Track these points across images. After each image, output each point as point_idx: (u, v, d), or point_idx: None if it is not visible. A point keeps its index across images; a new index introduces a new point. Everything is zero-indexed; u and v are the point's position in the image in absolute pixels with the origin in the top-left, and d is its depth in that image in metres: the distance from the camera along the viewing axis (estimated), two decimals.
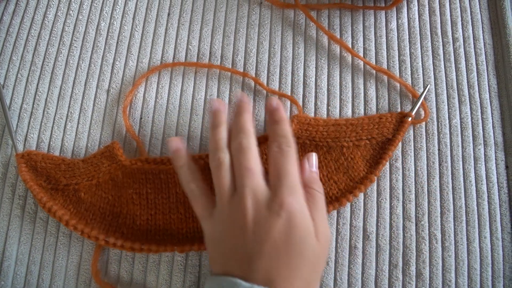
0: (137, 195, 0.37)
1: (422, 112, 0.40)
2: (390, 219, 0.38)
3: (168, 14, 0.44)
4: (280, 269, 0.28)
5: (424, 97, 0.41)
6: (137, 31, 0.44)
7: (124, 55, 0.43)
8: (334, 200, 0.37)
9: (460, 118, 0.40)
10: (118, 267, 0.37)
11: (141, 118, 0.41)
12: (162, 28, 0.44)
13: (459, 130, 0.40)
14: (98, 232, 0.36)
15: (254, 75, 0.42)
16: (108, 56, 0.43)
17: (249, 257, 0.29)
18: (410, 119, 0.39)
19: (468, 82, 0.41)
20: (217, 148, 0.32)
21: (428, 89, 0.41)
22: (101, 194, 0.37)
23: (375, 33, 0.43)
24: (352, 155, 0.38)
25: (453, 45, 0.42)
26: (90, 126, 0.41)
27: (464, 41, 0.43)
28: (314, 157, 0.35)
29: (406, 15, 0.43)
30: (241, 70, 0.42)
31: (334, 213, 0.38)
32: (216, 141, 0.33)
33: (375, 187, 0.39)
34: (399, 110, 0.40)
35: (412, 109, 0.39)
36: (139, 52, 0.43)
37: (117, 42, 0.43)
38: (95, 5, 0.44)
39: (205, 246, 0.33)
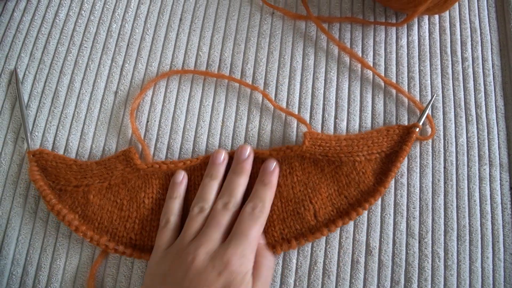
0: (149, 199, 0.37)
1: (429, 129, 0.40)
2: (394, 235, 0.38)
3: (180, 20, 0.44)
4: None
5: (432, 115, 0.41)
6: (148, 35, 0.44)
7: (134, 58, 0.43)
8: (344, 214, 0.37)
9: (467, 137, 0.40)
10: (116, 271, 0.37)
11: (147, 122, 0.41)
12: (173, 33, 0.44)
13: (465, 149, 0.40)
14: (108, 239, 0.36)
15: (263, 85, 0.42)
16: (118, 58, 0.43)
17: None
18: (417, 129, 0.39)
19: (475, 102, 0.42)
20: (204, 199, 0.35)
21: (434, 98, 0.41)
22: (111, 197, 0.37)
23: (385, 49, 0.43)
24: (363, 170, 0.38)
25: (462, 65, 0.43)
26: (96, 127, 0.40)
27: (473, 61, 0.43)
28: None
29: (416, 33, 0.44)
30: (250, 79, 0.42)
31: None
32: (206, 192, 0.36)
33: (379, 202, 0.38)
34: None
35: (419, 119, 0.39)
36: (149, 55, 0.43)
37: (128, 45, 0.43)
38: (107, 6, 0.44)
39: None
